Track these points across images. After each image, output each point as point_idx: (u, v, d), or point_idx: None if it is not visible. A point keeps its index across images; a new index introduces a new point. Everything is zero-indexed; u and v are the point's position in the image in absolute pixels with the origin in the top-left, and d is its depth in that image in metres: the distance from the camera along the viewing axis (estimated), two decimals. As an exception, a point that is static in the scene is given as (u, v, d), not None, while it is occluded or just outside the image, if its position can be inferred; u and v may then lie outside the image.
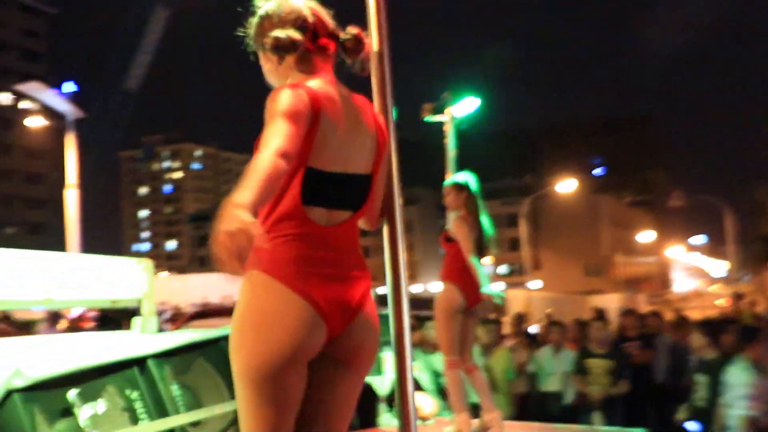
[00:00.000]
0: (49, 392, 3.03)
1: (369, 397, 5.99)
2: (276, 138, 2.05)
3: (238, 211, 1.85)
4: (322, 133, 2.21)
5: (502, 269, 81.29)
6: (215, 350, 4.00)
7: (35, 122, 32.51)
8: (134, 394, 3.32)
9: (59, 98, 21.86)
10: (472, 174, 5.47)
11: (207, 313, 6.57)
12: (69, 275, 3.77)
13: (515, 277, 72.04)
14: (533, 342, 9.39)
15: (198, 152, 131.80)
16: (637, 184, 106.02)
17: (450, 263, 5.28)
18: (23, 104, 54.65)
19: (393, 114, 2.57)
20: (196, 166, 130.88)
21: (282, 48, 2.37)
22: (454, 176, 5.56)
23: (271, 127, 2.10)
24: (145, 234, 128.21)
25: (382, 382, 5.94)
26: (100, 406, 3.17)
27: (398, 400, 2.49)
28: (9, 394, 2.90)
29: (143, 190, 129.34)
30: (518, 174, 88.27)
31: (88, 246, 18.62)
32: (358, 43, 2.46)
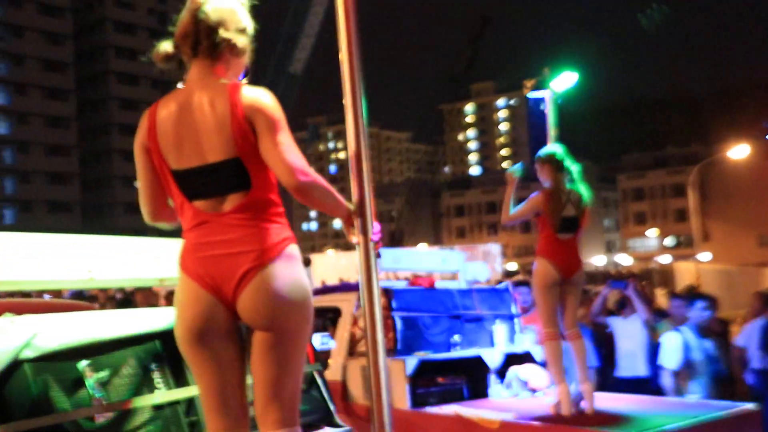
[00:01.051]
0: (61, 363, 3.16)
1: (480, 369, 6.01)
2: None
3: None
4: None
5: (669, 241, 78.24)
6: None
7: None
8: (153, 365, 3.48)
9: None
10: (560, 145, 5.68)
11: (326, 290, 6.97)
12: (114, 256, 3.88)
13: (683, 249, 69.73)
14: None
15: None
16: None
17: (540, 237, 5.50)
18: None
19: (364, 113, 3.06)
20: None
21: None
22: (542, 149, 5.71)
23: (290, 135, 2.75)
24: (313, 213, 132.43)
25: (492, 355, 5.97)
26: (114, 376, 3.32)
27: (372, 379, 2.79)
28: (20, 364, 3.03)
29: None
30: (684, 142, 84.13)
31: None
32: None
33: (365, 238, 2.90)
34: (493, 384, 6.01)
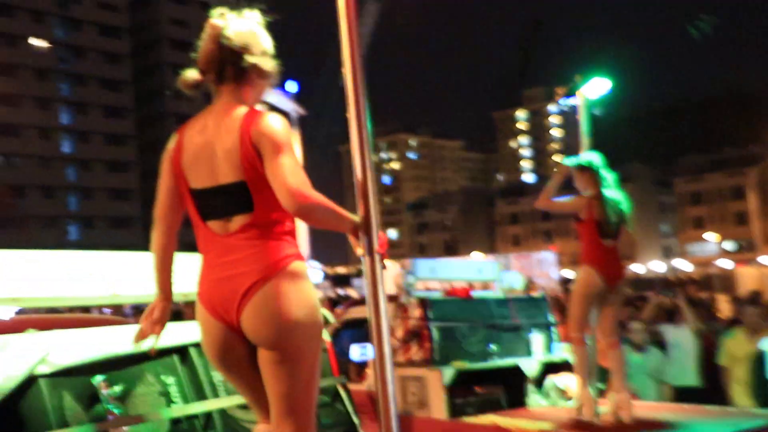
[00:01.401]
0: (76, 378, 3.19)
1: (517, 378, 5.92)
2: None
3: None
4: None
5: (729, 245, 76.38)
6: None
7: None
8: (171, 380, 3.49)
9: (283, 97, 22.89)
10: (597, 153, 5.59)
11: (363, 301, 6.95)
12: (135, 273, 3.88)
13: (744, 253, 67.66)
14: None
15: (413, 141, 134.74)
16: None
17: (583, 244, 5.46)
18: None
19: (368, 122, 2.99)
20: (411, 155, 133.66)
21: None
22: (578, 157, 5.69)
23: (295, 157, 2.74)
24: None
25: (530, 364, 5.88)
26: (130, 391, 3.33)
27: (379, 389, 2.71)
28: (35, 379, 3.05)
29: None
30: (741, 143, 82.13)
31: (315, 237, 19.66)
32: None
33: (371, 252, 2.86)
34: (531, 393, 5.93)
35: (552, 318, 6.68)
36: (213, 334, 2.80)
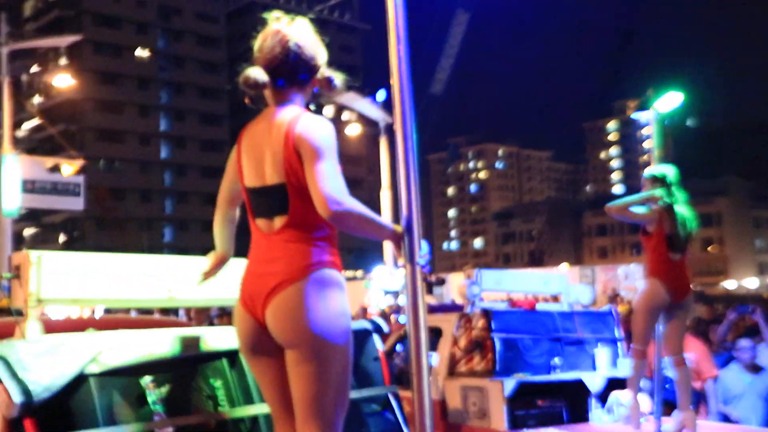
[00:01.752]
0: (125, 378, 3.27)
1: (580, 392, 5.78)
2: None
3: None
4: None
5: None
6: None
7: (353, 130, 34.97)
8: (219, 383, 3.52)
9: (373, 106, 23.02)
10: (672, 166, 5.51)
11: (430, 310, 6.94)
12: (193, 276, 3.95)
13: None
14: None
15: (500, 151, 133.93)
16: None
17: (650, 258, 5.37)
18: (345, 116, 58.85)
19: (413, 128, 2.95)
20: (498, 165, 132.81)
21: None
22: (652, 169, 5.65)
23: (334, 163, 2.76)
24: (454, 232, 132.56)
25: (594, 379, 5.73)
26: (177, 393, 3.38)
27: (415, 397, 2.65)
28: (85, 378, 3.13)
29: (451, 191, 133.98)
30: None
31: None
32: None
33: (412, 262, 2.83)
34: (594, 408, 5.80)
35: (618, 333, 6.52)
36: (242, 326, 2.89)
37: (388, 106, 24.71)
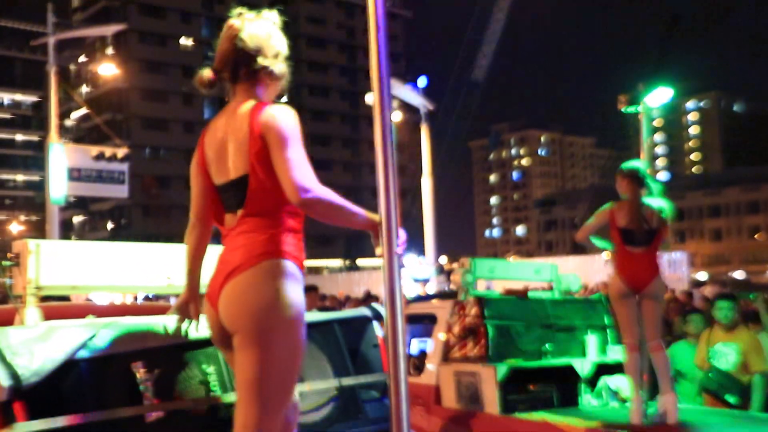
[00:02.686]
0: (115, 363, 3.30)
1: (570, 377, 5.91)
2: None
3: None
4: None
5: None
6: (324, 331, 4.22)
7: (394, 117, 35.01)
8: (211, 369, 3.54)
9: (414, 93, 23.02)
10: (641, 161, 5.65)
11: (425, 297, 7.08)
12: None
13: None
14: None
15: (543, 138, 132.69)
16: None
17: (613, 252, 5.52)
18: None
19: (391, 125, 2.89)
20: (541, 152, 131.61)
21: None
22: (623, 164, 5.68)
23: (301, 151, 2.78)
24: (496, 220, 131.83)
25: (584, 365, 5.87)
26: (169, 378, 3.40)
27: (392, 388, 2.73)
28: (75, 363, 3.18)
29: (493, 178, 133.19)
30: None
31: (443, 233, 19.80)
32: None
33: (389, 250, 2.77)
34: (584, 393, 5.95)
35: (608, 320, 6.65)
36: (209, 318, 2.93)
37: (429, 92, 24.74)
